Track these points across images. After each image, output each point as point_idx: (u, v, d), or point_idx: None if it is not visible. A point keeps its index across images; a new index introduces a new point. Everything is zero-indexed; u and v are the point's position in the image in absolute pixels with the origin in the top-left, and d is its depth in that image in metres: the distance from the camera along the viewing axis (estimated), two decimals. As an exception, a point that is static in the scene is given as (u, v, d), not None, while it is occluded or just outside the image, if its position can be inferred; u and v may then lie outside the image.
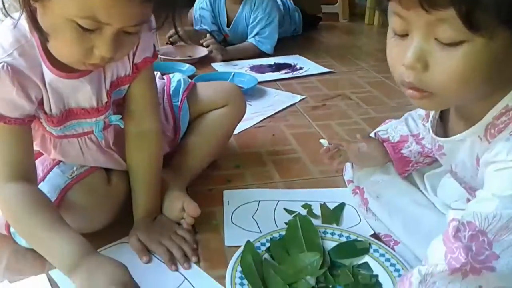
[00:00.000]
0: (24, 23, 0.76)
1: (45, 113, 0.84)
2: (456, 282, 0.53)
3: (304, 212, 1.04)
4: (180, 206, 0.96)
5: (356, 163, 1.05)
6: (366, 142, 1.01)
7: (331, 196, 1.11)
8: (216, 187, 1.14)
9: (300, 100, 1.69)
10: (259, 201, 1.09)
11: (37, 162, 0.90)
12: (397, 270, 0.83)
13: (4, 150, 0.80)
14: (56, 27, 0.71)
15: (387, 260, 0.86)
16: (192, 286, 0.84)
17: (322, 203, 1.07)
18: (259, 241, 0.90)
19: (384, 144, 1.00)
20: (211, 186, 1.14)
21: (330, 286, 0.83)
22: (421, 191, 0.96)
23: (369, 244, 0.90)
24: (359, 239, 0.91)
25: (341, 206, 1.07)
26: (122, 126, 0.93)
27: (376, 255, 0.87)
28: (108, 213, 0.93)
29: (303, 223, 0.93)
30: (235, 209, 1.05)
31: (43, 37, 0.73)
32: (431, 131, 0.79)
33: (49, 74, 0.80)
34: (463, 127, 0.69)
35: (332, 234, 0.93)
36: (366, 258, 0.87)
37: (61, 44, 0.74)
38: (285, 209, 1.05)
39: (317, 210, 1.05)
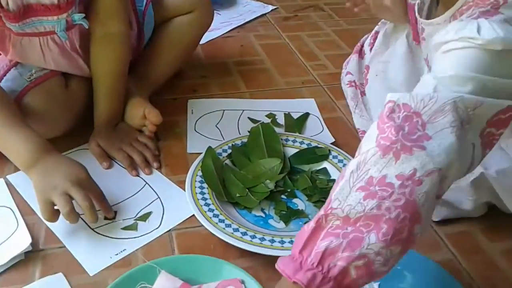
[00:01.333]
0: None
1: (1, 6, 0.79)
2: (390, 167, 0.49)
3: (268, 121, 1.04)
4: (142, 113, 0.95)
5: (375, 13, 1.02)
6: None
7: (296, 107, 1.11)
8: (181, 96, 1.12)
9: (272, 11, 1.63)
10: (224, 110, 1.08)
11: None
12: (354, 175, 0.86)
13: None
14: None
15: (345, 165, 0.88)
16: (153, 190, 0.85)
17: (287, 112, 1.07)
18: (221, 148, 0.91)
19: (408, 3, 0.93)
20: (175, 95, 1.12)
21: (289, 190, 0.85)
22: None
23: (329, 150, 0.91)
24: (319, 146, 0.93)
25: (305, 115, 1.07)
26: (87, 26, 0.88)
27: (335, 161, 0.89)
28: (66, 119, 0.92)
29: (265, 130, 0.93)
30: (199, 118, 1.05)
31: None
32: (417, 12, 0.77)
33: None
34: (443, 11, 0.68)
35: (294, 141, 0.94)
36: (325, 164, 0.89)
37: None
38: (249, 118, 1.05)
39: (281, 120, 1.05)
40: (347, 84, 1.09)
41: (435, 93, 0.52)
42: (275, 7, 1.66)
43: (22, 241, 0.72)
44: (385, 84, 0.98)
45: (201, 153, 0.89)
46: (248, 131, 0.95)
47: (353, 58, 1.14)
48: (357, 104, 1.05)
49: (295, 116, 1.07)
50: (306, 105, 1.12)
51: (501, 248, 0.78)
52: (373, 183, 0.50)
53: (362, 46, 1.15)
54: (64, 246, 0.74)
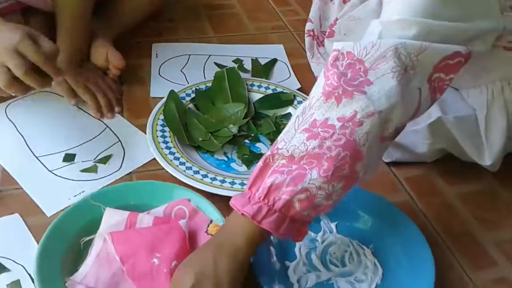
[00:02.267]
0: None
1: None
2: (332, 110, 0.52)
3: (234, 66, 1.02)
4: (105, 56, 0.92)
5: None
6: None
7: (264, 52, 1.08)
8: (146, 39, 1.08)
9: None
10: (190, 55, 1.05)
11: None
12: (317, 120, 0.86)
13: None
14: None
15: (309, 111, 0.88)
16: (114, 133, 0.83)
17: (254, 58, 1.05)
18: (184, 92, 0.89)
19: None
20: (140, 38, 1.08)
21: (252, 135, 0.85)
22: None
23: (294, 96, 0.91)
24: (285, 91, 0.92)
25: (273, 61, 1.05)
26: None
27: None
28: None
29: (230, 75, 0.92)
30: (164, 62, 1.02)
31: None
32: None
33: None
34: None
35: (259, 86, 0.93)
36: (290, 109, 0.89)
37: None
38: (215, 63, 1.03)
39: (248, 65, 1.03)
40: (306, 33, 1.06)
41: (378, 40, 0.53)
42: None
43: (-23, 183, 0.71)
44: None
45: (164, 97, 0.87)
46: (214, 76, 0.94)
47: (316, 2, 1.08)
48: (314, 54, 1.03)
49: (263, 62, 1.05)
50: (274, 51, 1.10)
51: (457, 191, 0.80)
52: (316, 125, 0.53)
53: None
54: (21, 188, 0.73)
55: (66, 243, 0.63)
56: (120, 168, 0.78)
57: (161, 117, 0.83)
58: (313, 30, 1.06)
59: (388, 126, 0.53)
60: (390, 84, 0.52)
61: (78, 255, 0.63)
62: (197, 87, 0.91)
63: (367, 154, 0.52)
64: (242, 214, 0.54)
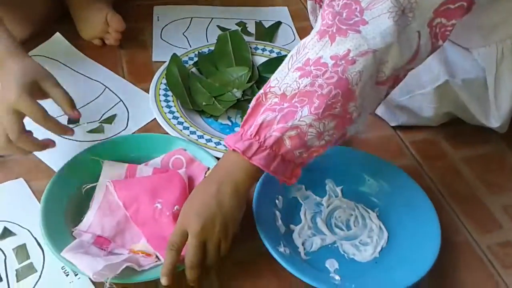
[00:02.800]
0: None
1: None
2: (326, 49, 0.51)
3: (237, 29, 1.00)
4: (104, 19, 0.89)
5: None
6: None
7: (268, 15, 1.06)
8: (146, 2, 1.06)
9: None
10: (192, 18, 1.03)
11: None
12: (323, 84, 0.84)
13: None
14: None
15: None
16: (114, 93, 0.82)
17: (258, 21, 1.03)
18: (187, 56, 0.87)
19: None
20: (139, 1, 1.06)
21: (256, 99, 0.83)
22: None
23: (299, 59, 0.89)
24: (289, 54, 0.90)
25: (277, 24, 1.03)
26: None
27: (304, 70, 0.87)
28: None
29: (233, 38, 0.90)
30: (165, 25, 1.00)
31: None
32: None
33: None
34: None
35: (263, 50, 0.91)
36: (294, 73, 0.87)
37: None
38: (218, 26, 1.01)
39: (251, 28, 1.01)
40: None
41: None
42: None
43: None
44: None
45: (166, 61, 0.86)
46: (217, 39, 0.92)
47: None
48: (316, 18, 1.00)
49: (267, 25, 1.03)
50: (279, 13, 1.07)
51: (463, 155, 0.79)
52: (309, 63, 0.53)
53: None
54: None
55: (68, 195, 0.63)
56: (126, 127, 0.77)
57: (164, 81, 0.82)
58: None
59: (384, 68, 0.53)
60: (386, 24, 0.51)
61: (81, 205, 0.63)
62: (200, 51, 0.89)
63: (360, 94, 0.52)
64: (234, 150, 0.55)
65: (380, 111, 0.81)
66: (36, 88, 0.62)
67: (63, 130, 0.64)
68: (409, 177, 0.69)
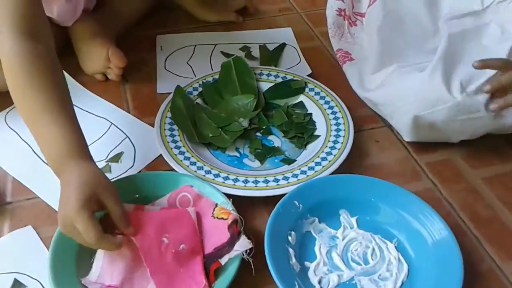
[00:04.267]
0: None
1: None
2: None
3: (242, 54, 0.98)
4: (105, 54, 0.88)
5: None
6: None
7: (272, 37, 1.04)
8: (148, 32, 1.05)
9: None
10: (195, 46, 1.02)
11: None
12: (331, 108, 0.82)
13: (25, 4, 0.66)
14: None
15: (322, 98, 0.84)
16: (120, 130, 0.81)
17: (262, 44, 1.02)
18: (191, 86, 0.86)
19: None
20: (141, 31, 1.05)
21: (264, 127, 0.82)
22: None
23: (305, 83, 0.87)
24: (295, 78, 0.88)
25: (281, 46, 1.01)
26: None
27: (311, 94, 0.85)
28: None
29: (237, 64, 0.88)
30: (169, 55, 0.99)
31: None
32: None
33: None
34: None
35: (268, 75, 0.89)
36: (301, 98, 0.85)
37: None
38: (222, 52, 0.99)
39: (256, 53, 1.00)
40: (336, 11, 1.01)
41: None
42: None
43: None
44: (394, 8, 0.92)
45: (171, 93, 0.85)
46: (221, 67, 0.90)
47: None
48: (343, 33, 0.98)
49: (271, 47, 1.01)
50: (283, 35, 1.05)
51: (482, 174, 0.76)
52: None
53: None
54: (32, 198, 0.71)
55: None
56: (133, 165, 0.76)
57: (169, 114, 0.80)
58: (344, 10, 1.01)
59: None
60: None
61: (91, 250, 0.60)
62: (204, 80, 0.87)
63: None
64: None
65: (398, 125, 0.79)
66: (94, 200, 0.58)
67: (115, 247, 0.60)
68: (426, 203, 0.66)
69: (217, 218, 0.63)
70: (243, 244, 0.59)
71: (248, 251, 0.59)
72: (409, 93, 0.73)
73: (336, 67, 0.95)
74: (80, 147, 0.63)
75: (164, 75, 0.94)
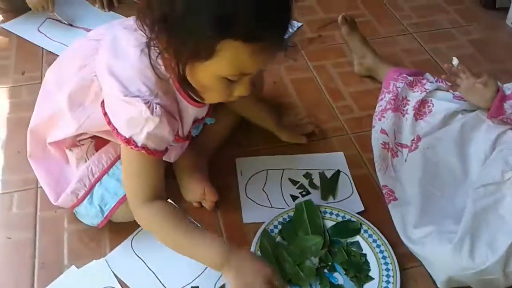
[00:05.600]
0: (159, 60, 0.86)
1: (177, 134, 0.98)
2: None
3: (305, 181, 1.24)
4: (202, 191, 1.14)
5: (463, 94, 1.23)
6: (486, 82, 1.18)
7: (328, 163, 1.28)
8: (226, 153, 1.28)
9: (298, 29, 1.72)
10: (267, 170, 1.26)
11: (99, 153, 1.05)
12: (381, 252, 1.07)
13: (148, 174, 0.92)
14: (206, 83, 0.85)
15: (374, 241, 1.09)
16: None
17: (321, 171, 1.26)
18: (272, 224, 1.11)
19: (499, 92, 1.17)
20: (221, 150, 1.27)
21: (329, 264, 1.07)
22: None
23: (360, 224, 1.12)
24: (352, 219, 1.13)
25: (336, 175, 1.26)
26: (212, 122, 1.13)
27: (366, 236, 1.10)
28: None
29: (307, 206, 1.13)
30: (248, 180, 1.23)
31: (189, 89, 0.87)
32: None
33: (186, 107, 0.93)
34: None
35: (331, 214, 1.14)
36: (358, 238, 1.11)
37: (208, 93, 0.89)
38: (290, 179, 1.24)
39: (317, 180, 1.24)
40: (381, 144, 1.25)
41: None
42: (300, 24, 1.75)
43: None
44: (432, 159, 1.17)
45: (256, 223, 1.10)
46: (290, 195, 1.18)
47: (390, 114, 1.28)
48: (387, 166, 1.23)
49: (329, 174, 1.26)
50: (336, 160, 1.29)
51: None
52: None
53: (397, 98, 1.30)
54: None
55: None
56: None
57: (258, 253, 1.05)
58: (388, 143, 1.25)
59: None
60: None
61: None
62: (282, 217, 1.12)
63: None
64: None
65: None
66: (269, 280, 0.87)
67: None
68: None
69: None
70: None
71: None
72: (443, 258, 0.99)
73: (383, 202, 1.18)
74: (228, 244, 0.92)
75: (247, 204, 1.18)
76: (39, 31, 1.66)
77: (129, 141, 0.87)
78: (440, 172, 1.16)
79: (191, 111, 0.96)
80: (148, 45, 0.83)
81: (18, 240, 1.08)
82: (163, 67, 0.87)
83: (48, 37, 1.64)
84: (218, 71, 0.81)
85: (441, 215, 1.09)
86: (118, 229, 1.08)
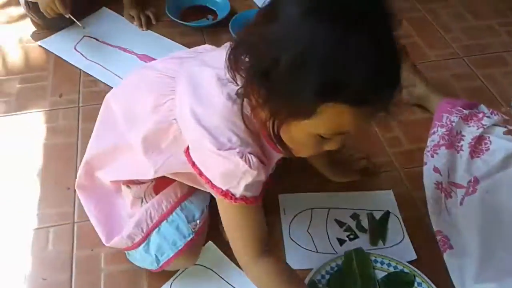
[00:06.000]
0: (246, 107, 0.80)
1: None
2: None
3: (353, 223, 1.16)
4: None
5: None
6: None
7: (376, 202, 1.21)
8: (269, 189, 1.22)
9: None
10: (312, 209, 1.19)
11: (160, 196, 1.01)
12: (437, 308, 1.00)
13: (255, 226, 0.88)
14: (298, 139, 0.79)
15: (430, 295, 1.02)
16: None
17: (369, 212, 1.19)
18: (319, 273, 1.04)
19: None
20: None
21: (380, 318, 1.00)
22: None
23: (414, 276, 1.04)
24: (405, 270, 1.05)
25: (386, 216, 1.18)
26: None
27: (419, 289, 1.03)
28: None
29: (357, 255, 1.06)
30: (291, 220, 1.17)
31: (280, 144, 0.80)
32: None
33: (271, 150, 0.87)
34: None
35: (382, 263, 1.07)
36: (411, 290, 1.03)
37: (298, 148, 0.82)
38: (336, 220, 1.17)
39: (365, 222, 1.17)
40: (434, 184, 1.17)
41: None
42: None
43: None
44: (493, 205, 1.08)
45: (300, 269, 1.03)
46: (337, 238, 1.10)
47: (443, 151, 1.20)
48: (441, 209, 1.14)
49: (377, 215, 1.18)
50: (385, 199, 1.22)
51: None
52: None
53: (451, 132, 1.22)
54: None
55: None
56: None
57: (305, 304, 0.99)
58: (441, 183, 1.16)
59: None
60: None
61: None
62: (330, 266, 1.05)
63: None
64: None
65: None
66: None
67: None
68: None
69: None
70: None
71: None
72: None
73: (437, 249, 1.10)
74: None
75: (291, 247, 1.12)
76: (75, 49, 1.62)
77: (226, 194, 0.82)
78: (502, 221, 1.07)
79: (275, 154, 0.90)
80: (242, 96, 0.78)
81: (53, 282, 1.04)
82: (250, 114, 0.80)
83: (84, 56, 1.60)
84: (315, 130, 0.75)
85: (503, 271, 1.00)
86: (157, 273, 1.03)
